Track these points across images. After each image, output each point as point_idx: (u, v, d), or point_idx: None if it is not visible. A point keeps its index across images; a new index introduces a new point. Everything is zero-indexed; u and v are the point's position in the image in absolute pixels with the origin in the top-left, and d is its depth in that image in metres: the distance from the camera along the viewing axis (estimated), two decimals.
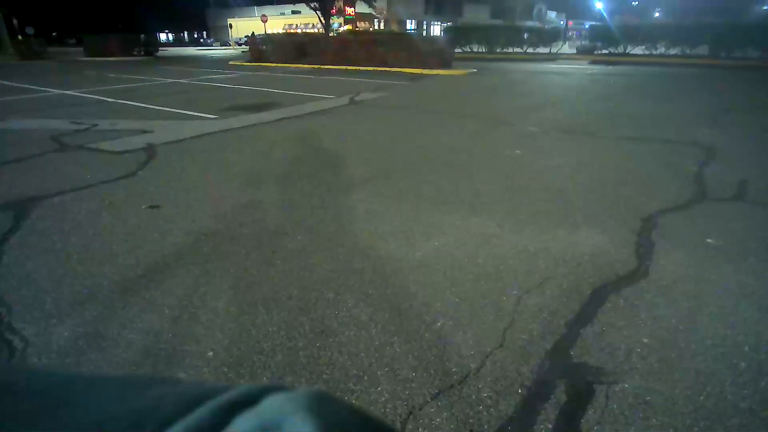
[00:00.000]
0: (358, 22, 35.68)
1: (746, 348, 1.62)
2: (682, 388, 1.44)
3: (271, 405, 0.20)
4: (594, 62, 17.64)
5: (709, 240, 2.48)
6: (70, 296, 1.93)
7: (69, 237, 2.50)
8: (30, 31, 25.83)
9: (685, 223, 2.69)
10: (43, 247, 2.38)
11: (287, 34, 20.34)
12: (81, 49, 26.48)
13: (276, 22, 43.92)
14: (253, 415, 0.19)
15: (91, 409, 0.22)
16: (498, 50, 22.45)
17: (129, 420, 0.20)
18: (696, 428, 1.29)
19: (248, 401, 0.20)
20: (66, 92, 8.62)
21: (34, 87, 9.46)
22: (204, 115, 6.17)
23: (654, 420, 1.32)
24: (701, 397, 1.40)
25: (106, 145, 4.44)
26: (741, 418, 1.33)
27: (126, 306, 1.86)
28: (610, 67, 15.00)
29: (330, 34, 19.89)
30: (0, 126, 5.44)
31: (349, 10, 35.38)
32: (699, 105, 7.15)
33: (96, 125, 5.40)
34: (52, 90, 8.95)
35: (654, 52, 18.61)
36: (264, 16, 32.58)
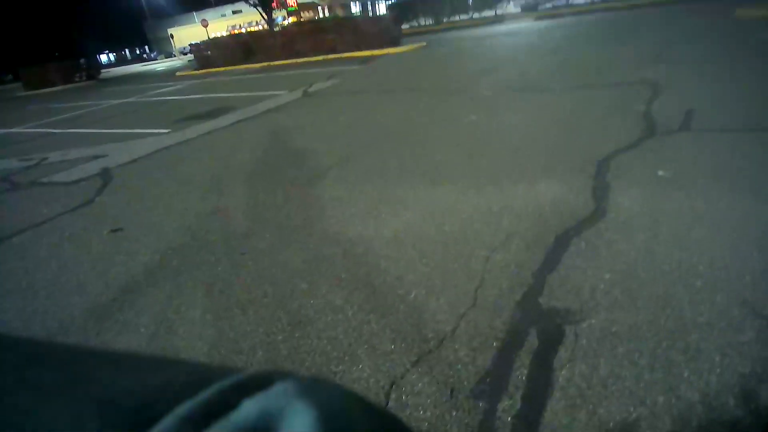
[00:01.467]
0: (302, 13, 34.95)
1: (701, 267, 1.72)
2: (644, 314, 1.52)
3: (278, 390, 0.20)
4: (539, 18, 17.79)
5: (660, 172, 2.58)
6: (41, 332, 1.90)
7: (34, 274, 2.44)
8: None
9: (637, 161, 2.79)
10: (8, 289, 2.32)
11: (231, 36, 19.81)
12: (19, 83, 25.31)
13: (218, 25, 42.75)
14: (261, 399, 0.20)
15: (105, 383, 0.22)
16: (445, 20, 22.45)
17: (141, 395, 0.21)
18: (659, 349, 1.37)
19: (258, 385, 0.21)
20: (9, 130, 8.25)
21: None
22: (156, 130, 6.01)
23: (621, 348, 1.39)
24: (662, 320, 1.48)
25: (59, 177, 4.30)
26: (700, 332, 1.41)
27: (100, 332, 1.84)
28: (554, 21, 15.15)
29: (275, 29, 19.43)
30: None
31: (291, 1, 34.62)
32: (642, 44, 7.32)
33: (46, 158, 5.22)
34: None
35: (596, 0, 18.89)
36: (204, 20, 31.63)
